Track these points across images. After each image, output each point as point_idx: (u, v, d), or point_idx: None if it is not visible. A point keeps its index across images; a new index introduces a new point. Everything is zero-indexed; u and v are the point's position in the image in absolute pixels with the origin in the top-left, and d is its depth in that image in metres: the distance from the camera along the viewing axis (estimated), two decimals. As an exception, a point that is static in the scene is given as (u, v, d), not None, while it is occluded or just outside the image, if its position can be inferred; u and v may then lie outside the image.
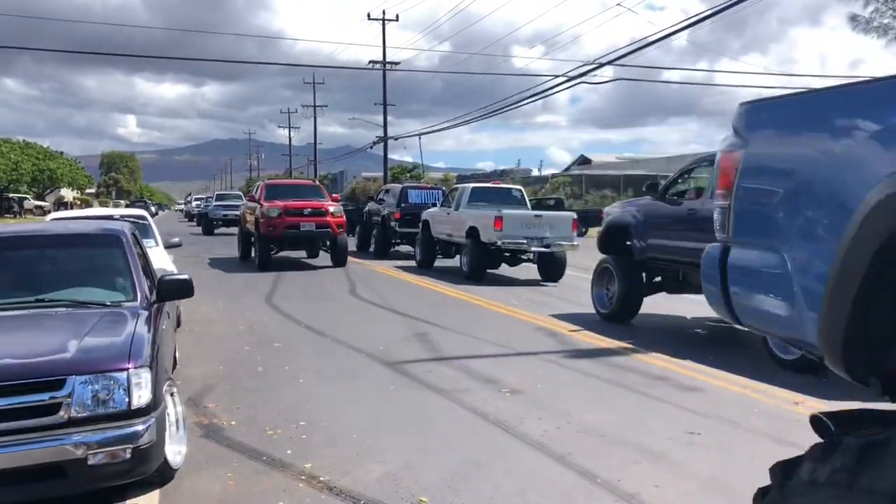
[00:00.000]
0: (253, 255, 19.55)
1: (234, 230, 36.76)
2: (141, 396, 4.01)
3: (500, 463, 4.86)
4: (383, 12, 46.12)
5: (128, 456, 3.92)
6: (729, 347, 9.00)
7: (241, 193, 45.14)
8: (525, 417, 5.85)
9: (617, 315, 10.39)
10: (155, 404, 4.12)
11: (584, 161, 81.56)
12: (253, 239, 19.66)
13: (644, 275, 10.43)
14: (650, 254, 10.03)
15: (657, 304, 11.53)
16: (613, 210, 11.38)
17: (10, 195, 68.30)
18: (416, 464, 4.85)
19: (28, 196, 72.32)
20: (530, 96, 29.98)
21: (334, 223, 18.30)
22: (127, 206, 68.06)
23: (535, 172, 67.02)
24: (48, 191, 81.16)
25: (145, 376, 4.06)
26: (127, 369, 4.00)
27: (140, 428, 3.97)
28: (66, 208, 63.98)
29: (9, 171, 60.49)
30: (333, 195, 22.42)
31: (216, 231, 36.27)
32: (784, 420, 5.81)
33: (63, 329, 4.41)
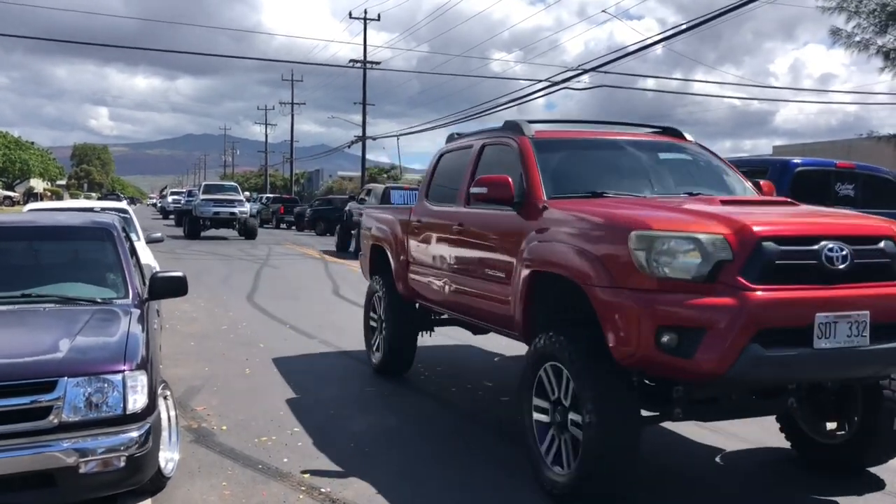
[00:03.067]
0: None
1: (226, 233, 30.28)
2: (136, 400, 3.76)
3: (505, 474, 4.68)
4: (364, 11, 45.90)
5: (121, 464, 3.67)
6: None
7: (237, 185, 34.99)
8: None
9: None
10: (150, 409, 3.87)
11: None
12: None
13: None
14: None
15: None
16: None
17: (-22, 185, 66.94)
18: (419, 475, 4.66)
19: (-4, 186, 70.93)
20: (511, 101, 29.98)
21: None
22: (99, 198, 66.83)
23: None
24: (18, 181, 79.65)
25: (141, 379, 3.82)
26: (122, 371, 3.75)
27: (135, 434, 3.72)
28: (37, 199, 62.79)
29: (-23, 160, 59.25)
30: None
31: (203, 234, 29.60)
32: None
33: (53, 327, 4.14)
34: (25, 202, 55.66)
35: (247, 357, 8.00)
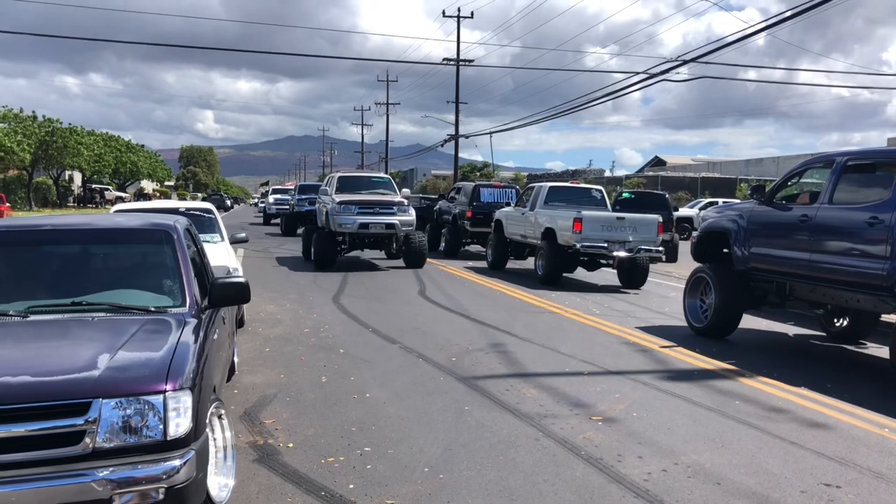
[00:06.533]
0: None
1: (387, 262, 18.75)
2: (179, 425, 3.38)
3: (600, 515, 4.07)
4: (458, 10, 45.57)
5: (160, 497, 3.29)
6: (847, 373, 7.95)
7: (389, 178, 20.54)
8: (623, 454, 5.03)
9: (712, 330, 9.42)
10: (196, 433, 3.48)
11: (658, 162, 79.57)
12: None
13: (743, 286, 9.42)
14: (753, 263, 9.03)
15: (753, 320, 10.50)
16: (710, 214, 10.38)
17: (93, 186, 70.35)
18: (499, 510, 4.10)
19: (110, 187, 74.43)
20: (605, 95, 28.91)
21: None
22: (203, 198, 68.98)
23: (608, 173, 65.45)
24: (129, 183, 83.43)
25: (185, 400, 3.43)
26: (163, 392, 3.37)
27: (176, 462, 3.34)
28: (146, 199, 65.61)
29: (92, 163, 62.17)
30: None
31: (346, 254, 18.18)
32: (939, 472, 4.84)
33: (95, 340, 3.81)
34: (135, 201, 58.20)
35: (325, 363, 7.64)
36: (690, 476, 4.66)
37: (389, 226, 17.15)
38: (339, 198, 17.38)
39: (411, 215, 17.56)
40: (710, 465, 4.86)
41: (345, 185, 18.63)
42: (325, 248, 17.09)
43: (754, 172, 53.30)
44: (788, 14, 18.98)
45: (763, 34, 21.06)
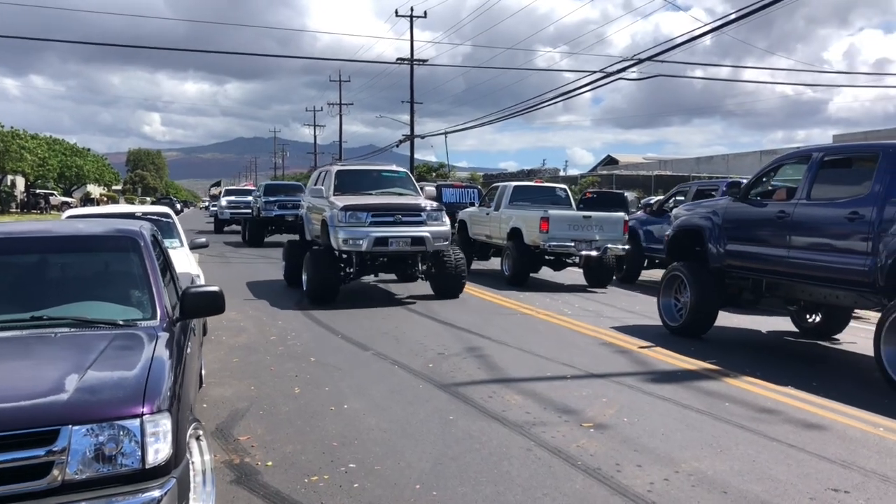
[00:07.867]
0: None
1: (406, 291, 13.72)
2: (158, 451, 3.05)
3: (609, 531, 3.85)
4: (411, 9, 45.32)
5: (139, 532, 2.96)
6: (829, 370, 7.90)
7: (407, 172, 14.68)
8: (621, 463, 4.82)
9: (688, 329, 9.31)
10: (176, 460, 3.15)
11: (610, 161, 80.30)
12: None
13: (718, 284, 9.34)
14: (729, 261, 8.95)
15: (725, 316, 10.44)
16: (682, 211, 10.30)
17: (38, 191, 68.15)
18: (502, 530, 3.85)
19: (55, 192, 72.18)
20: (559, 95, 28.98)
21: None
22: (153, 202, 67.31)
23: (562, 172, 65.79)
24: (75, 187, 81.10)
25: (164, 423, 3.10)
26: (140, 415, 3.04)
27: (156, 493, 3.01)
28: (94, 204, 63.80)
29: (36, 167, 60.22)
30: None
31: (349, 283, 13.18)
32: (942, 472, 4.73)
33: (61, 359, 3.45)
34: (82, 207, 56.31)
35: (296, 373, 7.30)
36: (694, 485, 4.47)
37: (417, 240, 12.13)
38: (341, 201, 12.37)
39: (445, 224, 12.62)
40: (713, 472, 4.68)
41: (345, 182, 13.43)
42: (325, 273, 12.18)
43: (705, 170, 54.02)
44: (733, 17, 19.20)
45: (709, 37, 21.27)
